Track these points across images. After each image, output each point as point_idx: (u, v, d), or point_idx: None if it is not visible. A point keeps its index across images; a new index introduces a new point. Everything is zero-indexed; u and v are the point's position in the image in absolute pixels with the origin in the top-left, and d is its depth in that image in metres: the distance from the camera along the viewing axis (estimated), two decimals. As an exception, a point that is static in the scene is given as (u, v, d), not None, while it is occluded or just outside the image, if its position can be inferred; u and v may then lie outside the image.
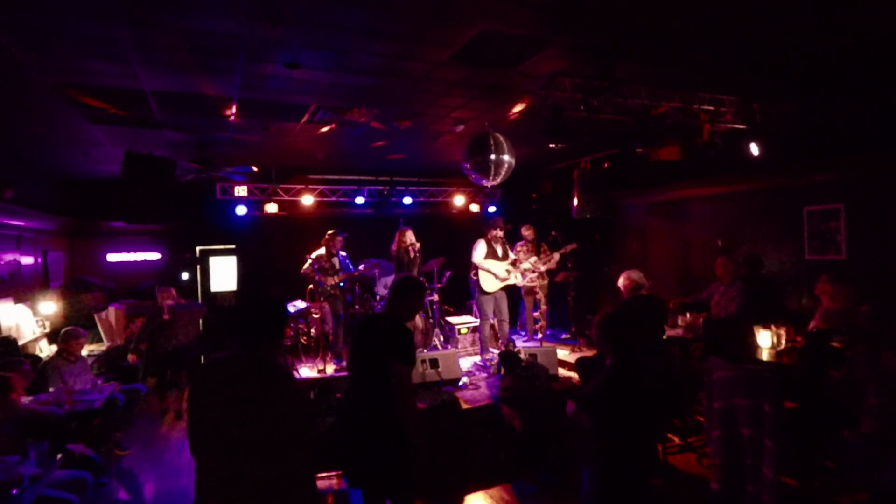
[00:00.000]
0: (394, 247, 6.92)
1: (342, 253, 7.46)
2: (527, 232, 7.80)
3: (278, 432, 2.05)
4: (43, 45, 3.52)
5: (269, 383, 2.10)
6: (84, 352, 5.92)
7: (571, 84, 4.45)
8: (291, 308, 7.47)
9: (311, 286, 7.11)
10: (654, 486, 3.16)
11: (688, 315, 5.85)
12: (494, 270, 6.90)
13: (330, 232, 7.35)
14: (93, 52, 3.67)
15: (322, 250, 7.27)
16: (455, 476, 4.59)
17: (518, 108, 5.38)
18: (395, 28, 3.48)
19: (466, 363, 6.58)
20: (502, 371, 5.25)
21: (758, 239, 6.36)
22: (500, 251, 7.08)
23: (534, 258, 7.43)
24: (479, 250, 6.97)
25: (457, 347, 7.17)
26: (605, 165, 7.88)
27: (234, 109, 5.13)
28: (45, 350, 6.58)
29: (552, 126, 4.46)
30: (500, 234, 7.12)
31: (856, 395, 3.83)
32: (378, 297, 8.32)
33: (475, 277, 7.01)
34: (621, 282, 4.88)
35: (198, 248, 9.95)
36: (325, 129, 5.90)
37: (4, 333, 5.87)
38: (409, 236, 6.86)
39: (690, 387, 4.97)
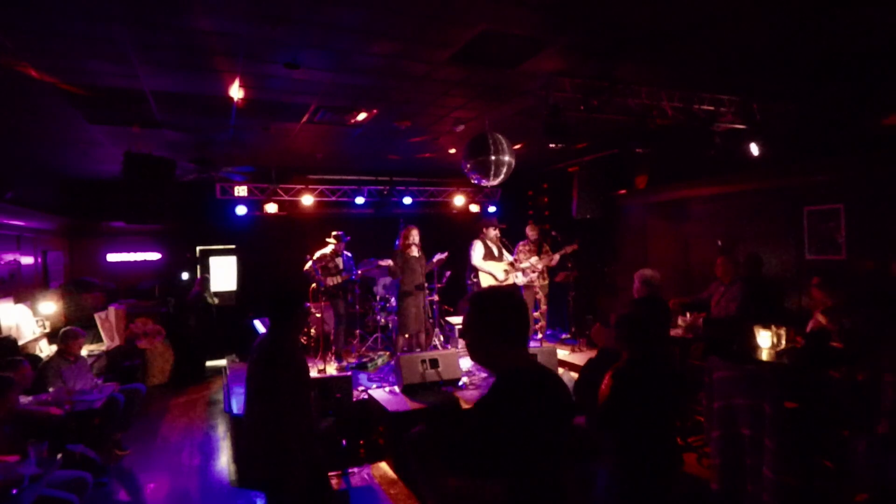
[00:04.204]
0: (399, 244, 6.90)
1: (347, 253, 7.47)
2: (531, 232, 7.81)
3: (279, 385, 2.67)
4: (43, 45, 3.52)
5: (261, 352, 2.77)
6: (84, 352, 5.92)
7: (571, 84, 4.45)
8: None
9: (312, 286, 7.11)
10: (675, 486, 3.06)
11: (688, 315, 5.84)
12: (493, 272, 6.90)
13: (334, 234, 7.35)
14: (93, 52, 3.67)
15: (326, 249, 7.27)
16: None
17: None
18: (395, 28, 3.48)
19: (466, 363, 6.58)
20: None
21: (758, 239, 6.35)
22: (496, 251, 7.07)
23: (535, 258, 7.44)
24: (477, 252, 6.95)
25: (457, 347, 7.17)
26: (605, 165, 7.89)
27: (233, 109, 5.13)
28: (45, 350, 6.58)
29: (552, 126, 4.46)
30: (496, 233, 7.11)
31: (856, 395, 3.83)
32: (378, 297, 8.33)
33: (475, 279, 7.00)
34: (638, 280, 4.86)
35: (198, 248, 9.97)
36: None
37: (4, 333, 5.87)
38: (414, 235, 6.84)
39: (690, 387, 4.96)
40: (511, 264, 7.13)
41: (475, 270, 6.97)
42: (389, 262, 6.89)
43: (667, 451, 2.80)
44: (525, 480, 1.52)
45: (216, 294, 9.30)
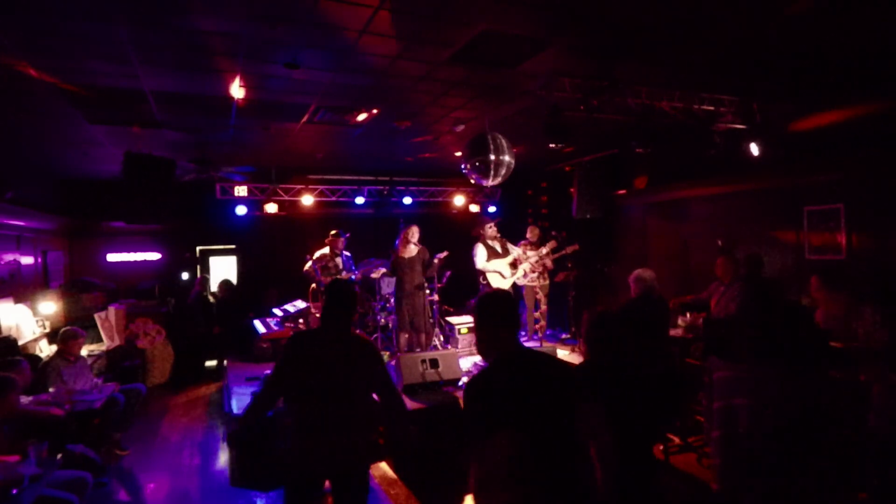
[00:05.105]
0: (398, 244, 6.90)
1: (346, 253, 7.46)
2: (530, 233, 7.82)
3: (362, 383, 2.68)
4: (43, 45, 3.52)
5: (357, 348, 2.72)
6: (84, 352, 5.92)
7: (571, 84, 4.45)
8: (291, 308, 7.47)
9: (312, 286, 7.11)
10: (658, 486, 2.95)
11: (688, 315, 5.84)
12: (500, 270, 6.93)
13: (332, 232, 7.35)
14: (93, 52, 3.67)
15: (326, 250, 7.27)
16: (455, 476, 4.58)
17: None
18: (395, 28, 3.47)
19: (466, 363, 6.57)
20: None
21: (758, 239, 6.35)
22: (499, 248, 7.10)
23: (535, 257, 7.45)
24: (480, 255, 6.98)
25: (457, 347, 7.17)
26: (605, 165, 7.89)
27: (233, 109, 5.13)
28: (45, 350, 6.58)
29: (552, 126, 4.46)
30: (494, 231, 7.14)
31: (857, 394, 3.83)
32: (378, 297, 8.31)
33: (485, 282, 7.04)
34: (631, 281, 4.85)
35: (198, 248, 9.97)
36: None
37: (4, 333, 5.87)
38: (413, 232, 6.83)
39: (690, 387, 4.96)
40: (514, 264, 7.14)
41: (483, 273, 7.01)
42: (384, 270, 6.98)
43: (639, 459, 2.58)
44: (523, 436, 1.81)
45: (214, 294, 9.30)
